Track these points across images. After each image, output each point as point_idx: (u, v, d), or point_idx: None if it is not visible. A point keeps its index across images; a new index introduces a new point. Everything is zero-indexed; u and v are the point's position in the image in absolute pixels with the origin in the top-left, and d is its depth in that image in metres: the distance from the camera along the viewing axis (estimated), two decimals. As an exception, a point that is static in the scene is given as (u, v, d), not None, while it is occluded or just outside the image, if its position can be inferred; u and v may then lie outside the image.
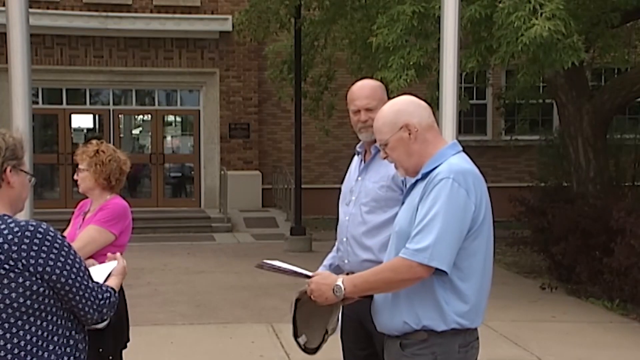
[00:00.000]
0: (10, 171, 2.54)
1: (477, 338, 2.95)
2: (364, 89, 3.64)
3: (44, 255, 2.42)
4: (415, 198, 2.84)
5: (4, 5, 3.54)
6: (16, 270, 2.40)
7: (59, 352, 2.50)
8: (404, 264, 2.73)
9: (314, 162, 18.08)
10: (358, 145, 3.73)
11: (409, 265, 2.72)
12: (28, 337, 2.44)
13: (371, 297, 3.00)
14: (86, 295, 2.52)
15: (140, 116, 19.01)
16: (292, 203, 14.65)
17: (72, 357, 2.54)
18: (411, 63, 8.74)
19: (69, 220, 4.38)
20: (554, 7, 7.56)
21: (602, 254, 8.86)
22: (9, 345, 2.42)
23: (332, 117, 15.38)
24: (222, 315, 8.25)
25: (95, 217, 4.12)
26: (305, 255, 11.88)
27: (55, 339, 2.49)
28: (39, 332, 2.46)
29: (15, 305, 2.40)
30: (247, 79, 17.90)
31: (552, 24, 7.51)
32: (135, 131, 19.51)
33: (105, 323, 3.27)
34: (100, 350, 3.90)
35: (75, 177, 4.28)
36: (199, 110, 18.14)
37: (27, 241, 2.41)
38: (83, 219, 4.23)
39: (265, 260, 3.14)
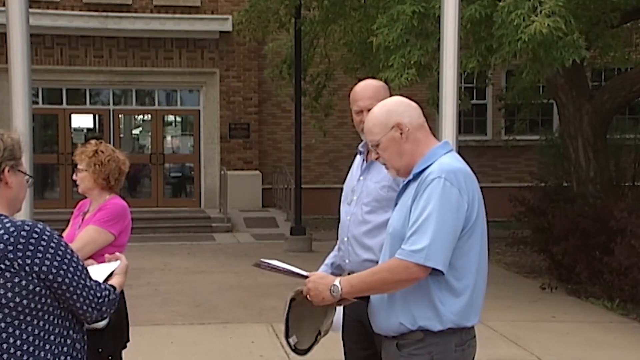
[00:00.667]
0: (9, 171, 2.54)
1: (474, 336, 2.95)
2: (366, 89, 3.63)
3: (39, 255, 2.42)
4: (408, 199, 2.84)
5: (4, 5, 3.54)
6: (12, 270, 2.39)
7: (55, 352, 2.49)
8: (400, 265, 2.73)
9: (314, 162, 18.09)
10: (360, 145, 3.72)
11: (406, 266, 2.72)
12: (24, 336, 2.43)
13: (368, 298, 3.00)
14: (84, 294, 2.51)
15: (140, 116, 19.01)
16: (292, 203, 14.65)
17: (69, 357, 2.54)
18: (412, 62, 8.74)
19: (69, 220, 4.37)
20: (553, 4, 7.56)
21: (602, 254, 8.86)
22: (5, 345, 2.41)
23: (331, 116, 15.39)
24: (222, 315, 8.25)
25: (95, 218, 4.11)
26: (305, 255, 11.88)
27: (52, 338, 2.49)
28: (36, 332, 2.45)
29: (11, 305, 2.40)
30: (247, 79, 17.90)
31: (551, 20, 7.51)
32: (135, 131, 19.51)
33: (105, 323, 3.27)
34: (100, 350, 3.90)
35: (74, 177, 4.28)
36: (199, 110, 18.14)
37: (23, 241, 2.41)
38: (82, 219, 4.23)
39: (262, 260, 3.14)
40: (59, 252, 2.46)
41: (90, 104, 18.19)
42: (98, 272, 2.78)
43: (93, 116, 18.41)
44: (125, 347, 4.18)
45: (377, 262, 3.06)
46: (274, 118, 18.31)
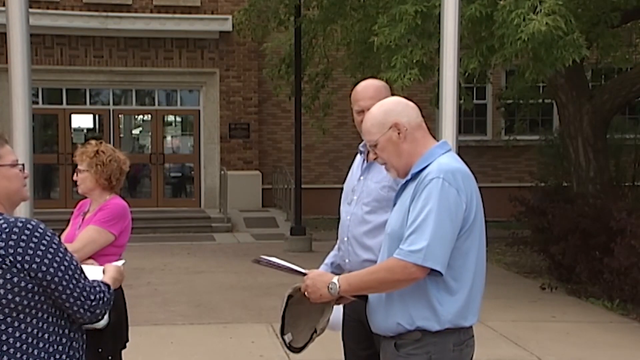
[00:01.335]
0: None
1: (472, 336, 2.95)
2: (368, 89, 3.63)
3: (30, 251, 2.40)
4: (407, 199, 2.84)
5: (4, 5, 3.54)
6: (4, 266, 2.38)
7: (50, 350, 2.48)
8: (399, 265, 2.73)
9: (314, 162, 18.09)
10: (361, 145, 3.72)
11: (404, 266, 2.72)
12: (17, 334, 2.42)
13: (366, 297, 3.00)
14: (75, 294, 2.48)
15: (140, 116, 19.01)
16: (292, 203, 14.65)
17: (64, 355, 2.52)
18: (414, 62, 8.73)
19: (69, 221, 4.37)
20: (553, 3, 7.56)
21: (602, 254, 8.86)
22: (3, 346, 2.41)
23: (331, 116, 15.38)
24: (222, 315, 8.25)
25: (95, 218, 4.11)
26: (305, 255, 11.87)
27: (47, 336, 2.47)
28: (29, 330, 2.44)
29: (3, 301, 2.39)
30: (247, 79, 17.90)
31: (551, 19, 7.51)
32: (135, 131, 19.51)
33: (104, 323, 3.26)
34: (100, 350, 3.90)
35: (74, 177, 4.28)
36: (199, 110, 18.14)
37: (15, 237, 2.39)
38: (82, 219, 4.23)
39: (262, 256, 3.15)
40: (50, 250, 2.44)
41: (90, 104, 18.19)
42: (94, 272, 2.77)
43: (93, 116, 18.41)
44: (125, 347, 4.18)
45: (376, 262, 3.07)
46: (274, 118, 18.31)
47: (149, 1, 17.47)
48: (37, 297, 2.43)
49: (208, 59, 17.78)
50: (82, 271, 2.54)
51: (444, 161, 2.85)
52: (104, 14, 16.94)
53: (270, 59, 15.03)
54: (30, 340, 2.45)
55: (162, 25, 17.22)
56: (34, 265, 2.40)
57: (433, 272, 2.74)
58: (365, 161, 3.66)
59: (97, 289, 2.56)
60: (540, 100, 16.05)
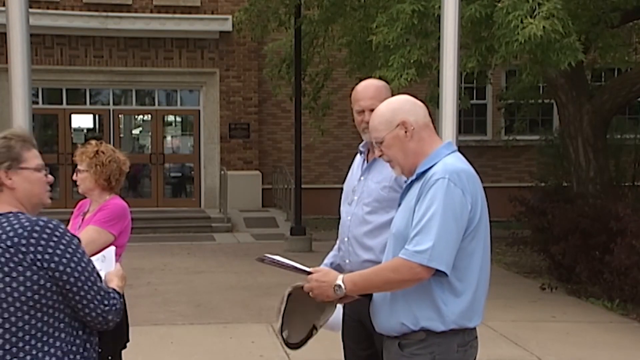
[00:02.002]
0: (7, 173, 2.56)
1: (476, 337, 2.95)
2: (368, 89, 3.62)
3: (50, 250, 2.44)
4: (412, 199, 2.84)
5: (4, 5, 3.54)
6: (24, 264, 2.42)
7: (65, 349, 2.51)
8: (404, 265, 2.73)
9: (314, 162, 18.08)
10: (361, 145, 3.72)
11: (410, 266, 2.72)
12: (33, 331, 2.45)
13: (370, 296, 3.00)
14: (89, 296, 2.51)
15: (140, 116, 19.01)
16: (292, 203, 14.65)
17: (78, 356, 2.55)
18: (412, 61, 8.74)
19: (68, 221, 4.37)
20: (552, 7, 7.56)
21: (602, 254, 8.85)
22: (14, 338, 2.43)
23: (331, 116, 15.37)
24: (222, 315, 8.24)
25: (95, 218, 4.11)
26: (305, 255, 11.87)
27: (62, 335, 2.50)
28: (45, 328, 2.47)
29: (22, 299, 2.42)
30: (247, 79, 17.90)
31: (548, 23, 7.51)
32: (135, 131, 19.51)
33: None
34: (100, 350, 3.89)
35: (74, 177, 4.28)
36: (199, 110, 18.14)
37: (36, 235, 2.43)
38: (82, 219, 4.23)
39: (266, 254, 3.14)
40: (69, 250, 2.48)
41: (90, 104, 18.19)
42: (105, 264, 2.80)
43: (93, 116, 18.41)
44: (125, 347, 4.18)
45: (377, 263, 3.06)
46: (274, 118, 18.31)
47: (149, 1, 17.47)
48: (54, 297, 2.46)
49: (208, 59, 17.78)
50: (98, 275, 2.57)
51: (450, 161, 2.84)
52: (104, 14, 16.94)
53: (271, 59, 15.04)
54: (46, 338, 2.47)
55: (162, 25, 17.22)
56: (53, 265, 2.44)
57: (438, 273, 2.74)
58: (366, 161, 3.66)
59: (111, 294, 2.59)
60: (540, 100, 16.05)
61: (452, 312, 2.79)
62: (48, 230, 2.45)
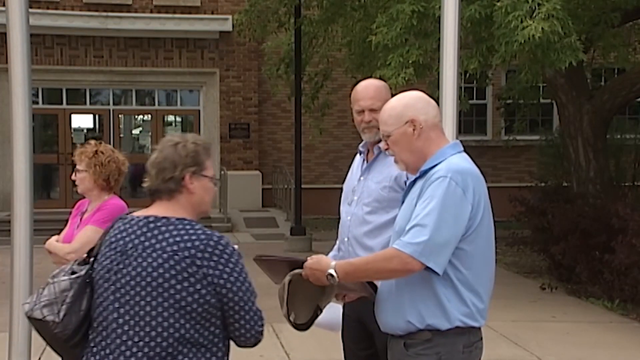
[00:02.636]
0: (190, 178, 2.60)
1: (481, 338, 2.95)
2: (368, 89, 3.62)
3: (220, 267, 2.49)
4: (414, 197, 2.84)
5: (4, 5, 3.54)
6: (197, 276, 2.47)
7: None
8: (396, 255, 2.73)
9: (314, 162, 18.08)
10: (361, 145, 3.72)
11: (401, 257, 2.71)
12: (190, 342, 2.50)
13: (374, 297, 2.99)
14: (247, 317, 2.56)
15: (140, 116, 19.01)
16: (292, 203, 14.65)
17: None
18: (410, 62, 8.74)
19: (67, 220, 4.37)
20: (551, 7, 7.56)
21: (602, 254, 8.85)
22: (170, 349, 2.47)
23: (331, 116, 15.36)
24: (222, 315, 8.23)
25: (93, 218, 4.11)
26: (305, 255, 11.83)
27: (214, 350, 2.55)
28: (200, 340, 2.52)
29: (188, 309, 2.48)
30: (247, 79, 17.90)
31: (547, 24, 7.51)
32: (135, 131, 19.51)
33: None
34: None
35: (72, 177, 4.27)
36: (199, 110, 18.14)
37: (210, 250, 2.49)
38: (80, 218, 4.22)
39: (259, 255, 3.18)
40: (237, 270, 2.53)
41: (90, 104, 18.19)
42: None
43: (93, 116, 18.40)
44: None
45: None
46: (274, 118, 18.31)
47: (149, 1, 17.47)
48: (216, 312, 2.52)
49: (208, 59, 17.78)
50: (255, 295, 2.61)
51: (454, 161, 2.84)
52: (104, 14, 16.94)
53: (270, 58, 15.03)
54: (202, 352, 2.52)
55: (162, 25, 17.22)
56: (221, 282, 2.49)
57: (436, 272, 2.73)
58: (366, 161, 3.66)
59: (261, 314, 2.62)
60: (540, 100, 16.05)
61: (457, 309, 2.79)
62: (220, 247, 2.51)
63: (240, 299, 2.52)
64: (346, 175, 3.80)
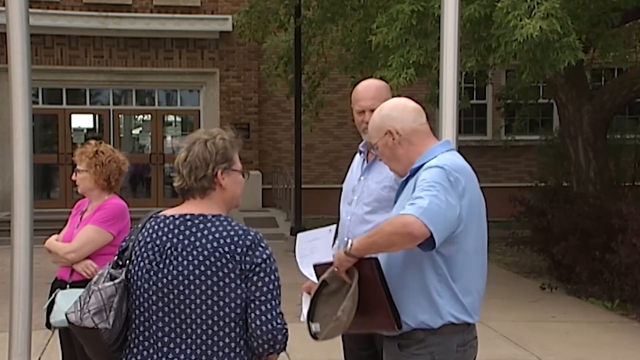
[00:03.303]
0: (222, 174, 2.62)
1: (476, 337, 2.95)
2: (369, 89, 3.62)
3: (253, 265, 2.49)
4: (408, 194, 2.85)
5: (4, 5, 3.54)
6: (236, 272, 2.48)
7: None
8: (398, 218, 2.69)
9: (314, 162, 18.09)
10: (361, 145, 3.72)
11: (402, 219, 2.66)
12: (223, 342, 2.50)
13: None
14: (268, 316, 2.50)
15: (140, 116, 19.01)
16: (292, 203, 14.65)
17: None
18: (411, 62, 8.75)
19: (67, 220, 4.37)
20: (550, 6, 7.56)
21: (602, 254, 8.85)
22: (203, 346, 2.48)
23: (331, 116, 15.36)
24: (222, 315, 8.23)
25: (93, 217, 4.11)
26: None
27: (242, 353, 2.53)
28: (232, 344, 2.51)
29: (226, 310, 2.47)
30: (247, 79, 17.90)
31: (546, 23, 7.50)
32: (135, 131, 19.51)
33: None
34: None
35: (73, 177, 4.27)
36: (199, 110, 18.14)
37: (247, 245, 2.50)
38: (80, 218, 4.23)
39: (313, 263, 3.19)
40: (267, 267, 2.52)
41: (90, 104, 18.20)
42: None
43: (93, 116, 18.41)
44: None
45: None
46: (274, 118, 18.31)
47: (149, 1, 17.48)
48: (243, 310, 2.51)
49: (208, 59, 17.78)
50: (280, 299, 2.58)
51: (447, 157, 2.86)
52: (104, 14, 16.95)
53: (268, 57, 15.03)
54: (233, 346, 2.51)
55: (162, 25, 17.22)
56: (254, 277, 2.49)
57: (430, 261, 2.74)
58: (365, 161, 3.66)
59: (284, 318, 2.57)
60: (540, 100, 16.04)
61: (448, 304, 2.80)
62: (256, 242, 2.52)
63: (263, 294, 2.50)
64: (346, 174, 3.80)
